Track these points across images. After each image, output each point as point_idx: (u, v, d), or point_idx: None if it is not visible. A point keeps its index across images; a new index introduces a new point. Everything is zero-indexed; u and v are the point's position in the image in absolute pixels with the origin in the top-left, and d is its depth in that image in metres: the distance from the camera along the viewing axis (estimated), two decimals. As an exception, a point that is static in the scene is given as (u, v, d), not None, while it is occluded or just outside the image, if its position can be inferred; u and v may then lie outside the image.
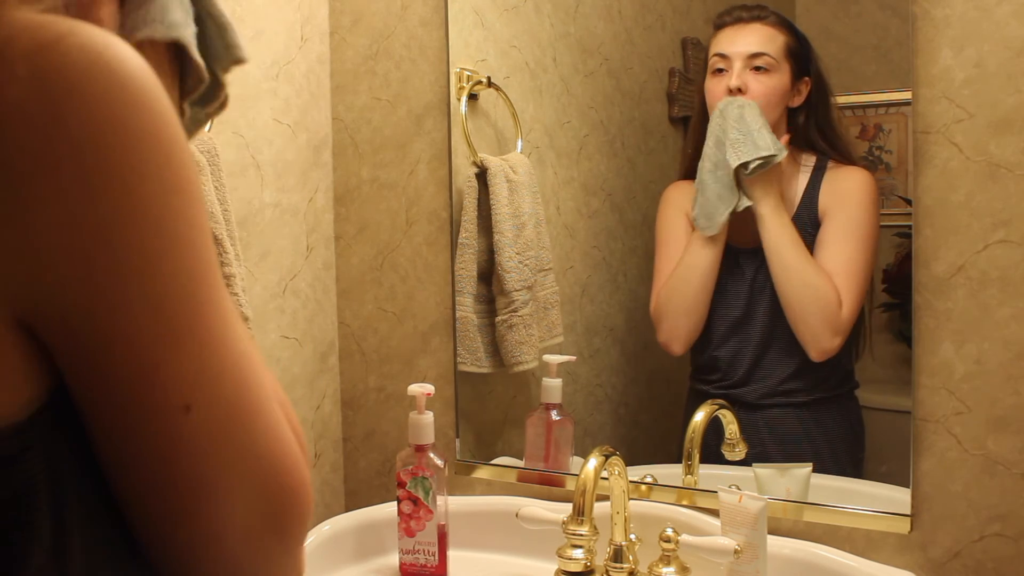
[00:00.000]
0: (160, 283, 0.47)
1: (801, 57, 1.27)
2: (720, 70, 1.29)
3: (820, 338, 1.25)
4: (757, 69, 1.27)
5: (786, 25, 1.27)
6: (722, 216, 1.28)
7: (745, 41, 1.28)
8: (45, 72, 0.45)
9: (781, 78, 1.27)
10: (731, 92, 1.27)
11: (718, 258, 1.32)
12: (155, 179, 0.47)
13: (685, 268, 1.34)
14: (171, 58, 0.58)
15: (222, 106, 0.65)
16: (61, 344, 0.47)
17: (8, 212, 0.44)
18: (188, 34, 0.57)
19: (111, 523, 0.50)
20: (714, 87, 1.30)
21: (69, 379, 0.48)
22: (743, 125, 1.25)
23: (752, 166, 1.24)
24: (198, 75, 0.58)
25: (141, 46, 0.54)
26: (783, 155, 1.24)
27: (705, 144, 1.28)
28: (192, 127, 0.64)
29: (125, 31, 0.55)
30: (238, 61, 0.62)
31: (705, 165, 1.28)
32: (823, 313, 1.24)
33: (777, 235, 1.26)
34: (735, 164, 1.24)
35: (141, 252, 0.47)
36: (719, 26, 1.30)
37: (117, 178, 0.46)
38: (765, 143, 1.24)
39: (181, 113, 0.61)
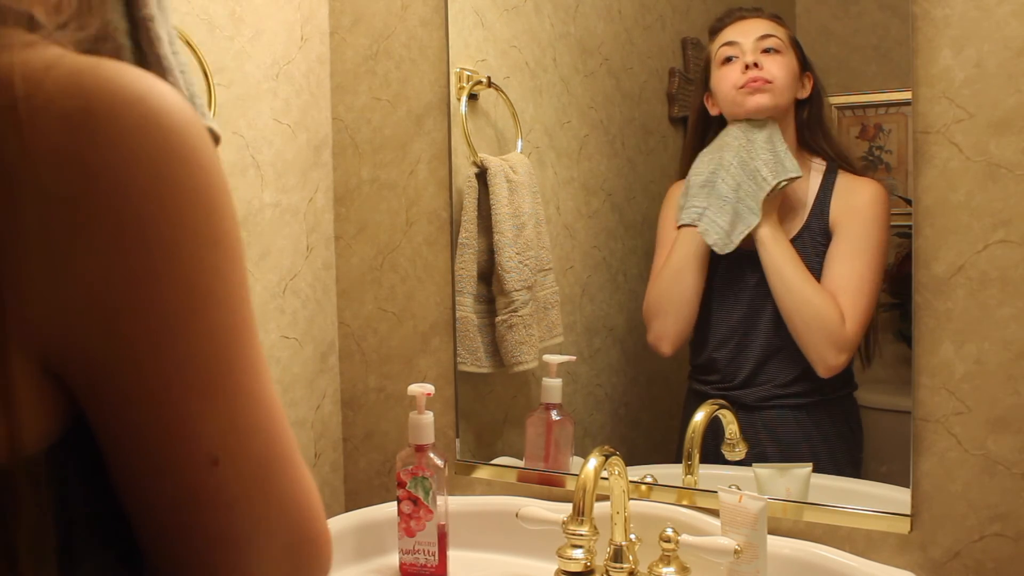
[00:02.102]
0: (191, 340, 0.47)
1: (801, 52, 1.27)
2: (729, 59, 1.29)
3: (826, 356, 1.25)
4: (767, 51, 1.27)
5: (783, 23, 1.29)
6: (741, 235, 1.28)
7: (753, 27, 1.29)
8: (86, 121, 0.43)
9: (791, 61, 1.27)
10: (747, 68, 1.27)
11: (705, 258, 1.32)
12: (193, 234, 0.46)
13: (672, 269, 1.34)
14: None
15: None
16: (86, 390, 0.46)
17: (43, 259, 0.43)
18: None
19: (122, 558, 0.50)
20: (726, 75, 1.29)
21: (92, 422, 0.47)
22: (772, 146, 1.26)
23: (781, 186, 1.25)
24: None
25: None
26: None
27: (721, 162, 1.28)
28: None
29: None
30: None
31: (726, 183, 1.28)
32: (826, 331, 1.24)
33: (777, 256, 1.26)
34: (774, 183, 1.25)
35: (173, 309, 0.46)
36: (718, 28, 1.31)
37: (154, 233, 0.45)
38: (792, 165, 1.25)
39: None
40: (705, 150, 1.31)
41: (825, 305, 1.24)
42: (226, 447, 0.48)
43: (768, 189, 1.25)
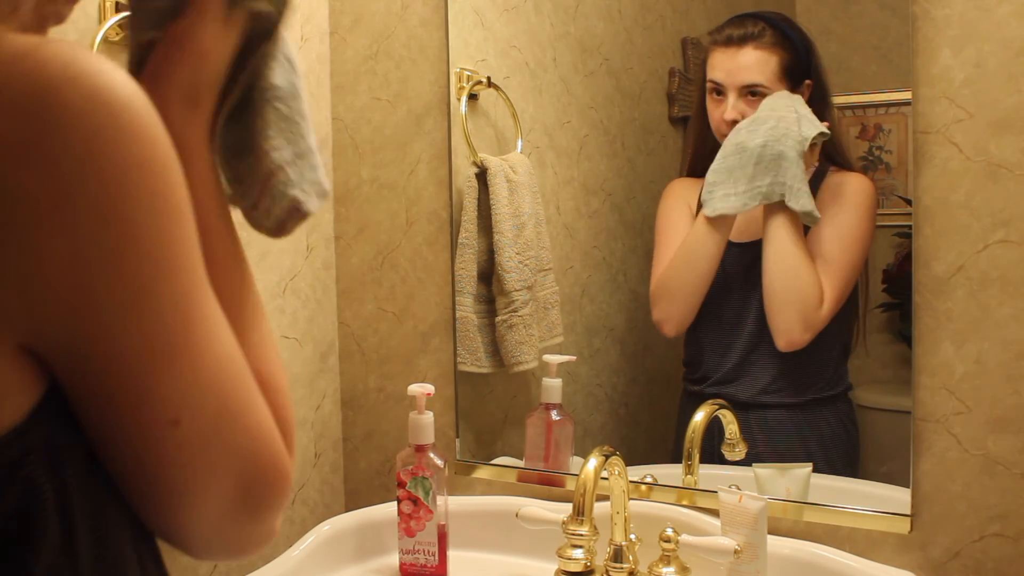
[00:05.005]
0: (155, 309, 0.49)
1: (797, 68, 1.26)
2: (718, 94, 1.30)
3: (792, 329, 1.25)
4: (753, 94, 1.27)
5: (779, 40, 1.27)
6: (764, 193, 1.25)
7: (738, 69, 1.28)
8: (37, 105, 0.45)
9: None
10: (727, 124, 1.28)
11: (723, 244, 1.31)
12: (150, 207, 0.48)
13: (689, 251, 1.33)
14: None
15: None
16: (60, 364, 0.49)
17: (13, 245, 0.45)
18: None
19: (113, 511, 0.52)
20: (714, 106, 1.31)
21: (67, 390, 0.50)
22: (804, 108, 1.24)
23: (813, 141, 1.23)
24: None
25: None
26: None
27: (782, 120, 1.24)
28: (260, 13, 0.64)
29: None
30: None
31: (757, 135, 1.24)
32: (802, 306, 1.24)
33: (781, 221, 1.26)
34: (812, 134, 1.21)
35: (139, 281, 0.48)
36: (711, 43, 1.31)
37: (117, 211, 0.47)
38: (814, 125, 1.23)
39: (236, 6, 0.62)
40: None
41: (811, 282, 1.24)
42: (185, 408, 0.51)
43: (802, 146, 1.22)
